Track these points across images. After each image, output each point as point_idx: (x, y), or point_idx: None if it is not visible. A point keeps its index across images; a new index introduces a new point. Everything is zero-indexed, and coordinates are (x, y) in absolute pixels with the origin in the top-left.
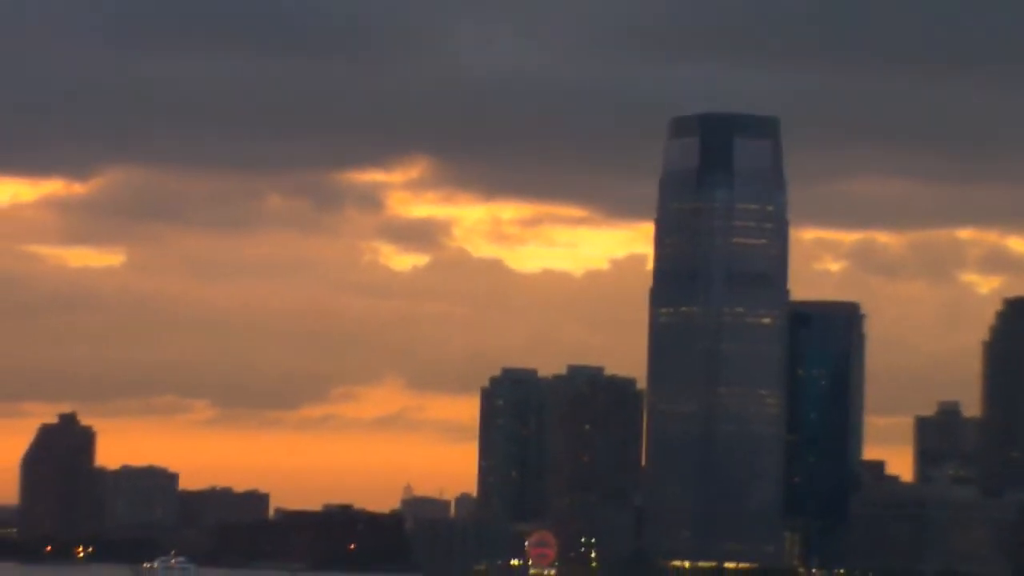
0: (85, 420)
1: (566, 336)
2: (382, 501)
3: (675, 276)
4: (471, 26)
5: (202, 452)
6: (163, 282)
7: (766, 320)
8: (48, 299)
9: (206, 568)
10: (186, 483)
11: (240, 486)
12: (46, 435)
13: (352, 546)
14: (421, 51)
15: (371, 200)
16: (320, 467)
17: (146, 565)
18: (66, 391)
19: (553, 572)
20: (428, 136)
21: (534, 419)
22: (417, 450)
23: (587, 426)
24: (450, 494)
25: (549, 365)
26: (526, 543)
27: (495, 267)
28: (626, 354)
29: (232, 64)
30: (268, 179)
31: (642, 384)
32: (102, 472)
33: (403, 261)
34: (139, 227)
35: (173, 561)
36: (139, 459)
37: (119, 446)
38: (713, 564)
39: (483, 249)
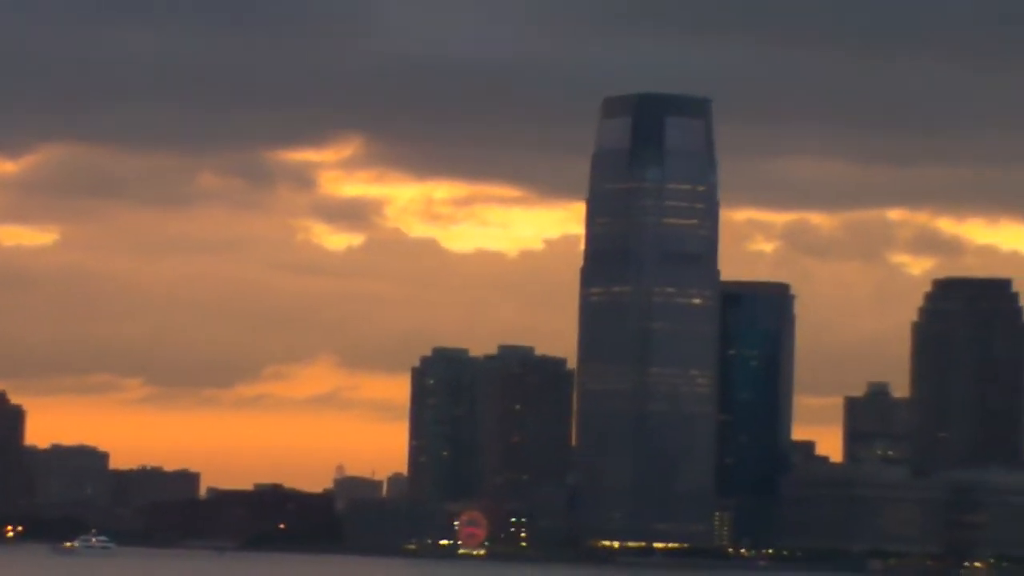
0: (16, 399)
1: (498, 316)
2: (314, 481)
3: (606, 256)
4: (404, 4)
5: (135, 431)
6: (97, 260)
7: (697, 300)
8: None
9: (136, 547)
10: (118, 462)
11: (172, 465)
12: None
13: (282, 525)
14: (354, 29)
15: (303, 178)
16: (253, 446)
17: (67, 544)
18: (7, 368)
19: (483, 552)
20: (360, 114)
21: (466, 398)
22: (350, 430)
23: (518, 406)
24: (382, 474)
25: (481, 345)
26: (456, 522)
27: (429, 247)
28: (558, 334)
29: (165, 41)
30: (201, 157)
31: (573, 364)
32: (32, 451)
33: (337, 240)
34: (72, 205)
35: (94, 540)
36: (71, 438)
37: (51, 425)
38: (643, 544)
39: (417, 229)
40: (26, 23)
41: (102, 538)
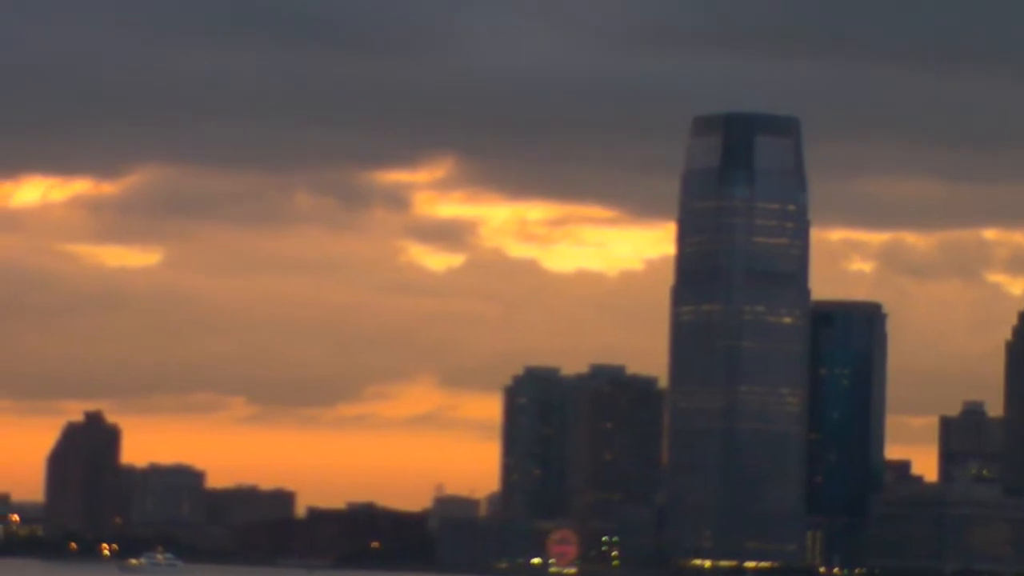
0: (116, 418)
1: (593, 335)
2: (412, 500)
3: (697, 275)
4: (494, 22)
5: (234, 451)
6: (197, 280)
7: (787, 319)
8: (84, 298)
9: (228, 565)
10: (214, 481)
11: (269, 484)
12: (72, 433)
13: (375, 544)
14: (443, 47)
15: (397, 199)
16: (351, 466)
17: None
18: (101, 389)
19: (574, 570)
20: (451, 134)
21: (556, 417)
22: (449, 449)
23: (609, 424)
24: (480, 493)
25: (574, 364)
26: (547, 541)
27: (529, 267)
28: (650, 353)
29: (260, 60)
30: (296, 176)
31: (664, 383)
32: (129, 470)
33: (437, 260)
34: (171, 225)
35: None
36: (170, 457)
37: (150, 444)
38: (734, 563)
39: (515, 249)
40: (121, 45)
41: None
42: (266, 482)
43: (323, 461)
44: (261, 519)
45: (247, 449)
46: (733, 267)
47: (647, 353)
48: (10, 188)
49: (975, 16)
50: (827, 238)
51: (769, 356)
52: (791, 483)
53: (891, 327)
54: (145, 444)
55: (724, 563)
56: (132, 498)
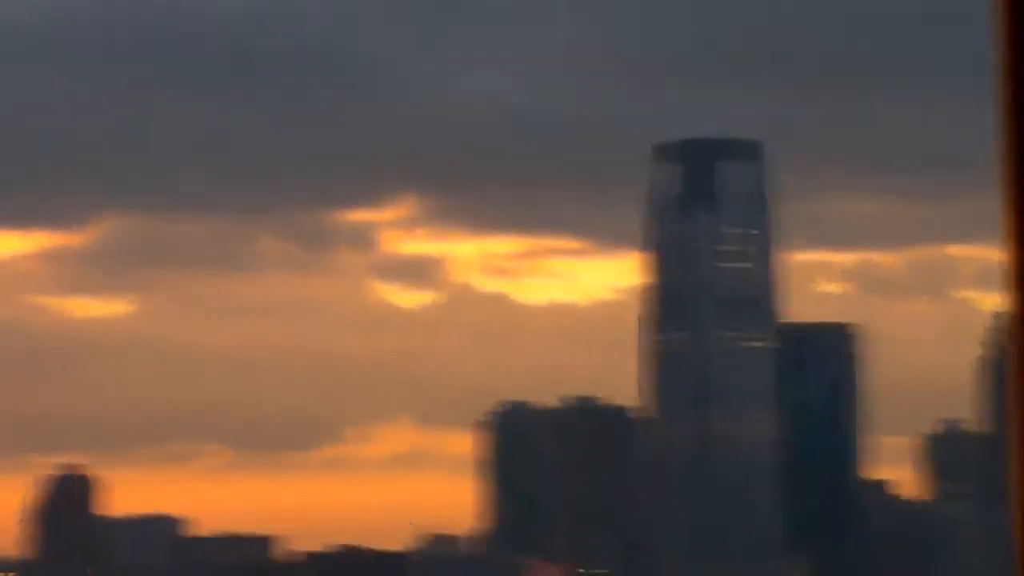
0: (94, 469)
1: (564, 366)
2: (396, 539)
3: (665, 303)
4: (448, 61)
5: (212, 498)
6: (167, 327)
7: (757, 343)
8: (54, 349)
9: None
10: (192, 529)
11: (249, 529)
12: (47, 485)
13: None
14: (402, 88)
15: (363, 239)
16: (332, 508)
17: None
18: (75, 441)
19: None
20: (415, 173)
21: (530, 450)
22: (430, 486)
23: (582, 454)
24: (462, 529)
25: (547, 396)
26: (527, 574)
27: (499, 301)
28: (622, 383)
29: (217, 108)
30: (259, 221)
31: (636, 411)
32: (103, 521)
33: (406, 298)
34: (136, 274)
35: None
36: (147, 507)
37: (127, 495)
38: None
39: (484, 283)
40: (78, 97)
41: None
42: (244, 528)
43: (302, 505)
44: (240, 564)
45: (224, 496)
46: (699, 294)
47: (620, 382)
48: None
49: (930, 39)
50: (795, 260)
51: (740, 381)
52: (765, 508)
53: (863, 346)
54: (121, 495)
55: None
56: (107, 548)
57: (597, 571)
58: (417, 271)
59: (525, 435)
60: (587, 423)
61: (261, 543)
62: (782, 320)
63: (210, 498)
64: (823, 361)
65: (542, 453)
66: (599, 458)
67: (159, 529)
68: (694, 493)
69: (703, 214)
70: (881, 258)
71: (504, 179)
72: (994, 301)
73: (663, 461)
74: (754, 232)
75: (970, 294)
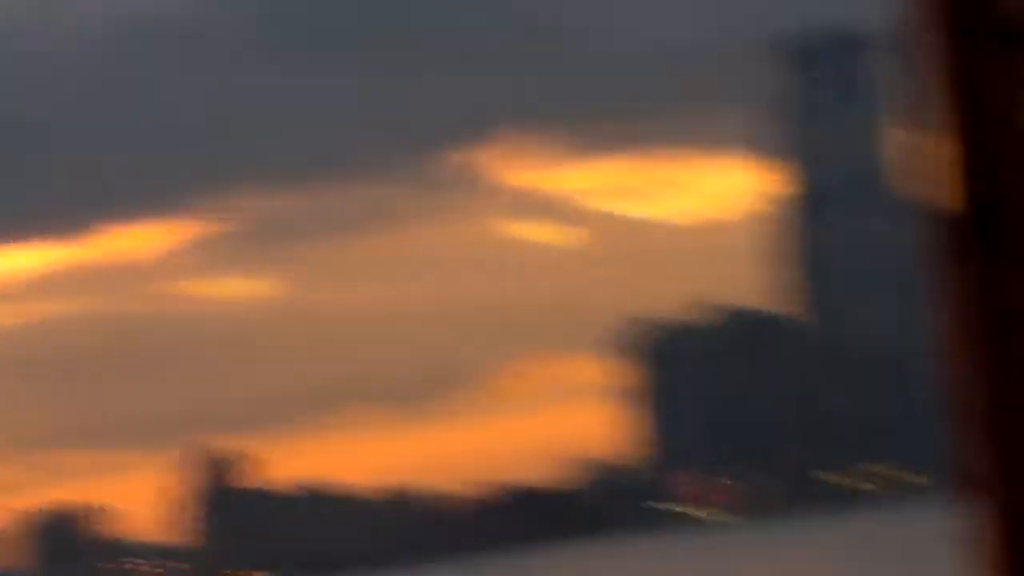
0: (253, 449)
1: (713, 282)
2: (559, 475)
3: (807, 203)
4: None
5: (373, 457)
6: (309, 300)
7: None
8: (208, 335)
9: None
10: (356, 492)
11: (413, 484)
12: (207, 469)
13: (531, 524)
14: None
15: (479, 179)
16: (491, 450)
17: None
18: (232, 424)
19: (731, 512)
20: (514, 107)
21: (689, 369)
22: (591, 417)
23: (742, 367)
24: (627, 458)
25: (697, 313)
26: (702, 488)
27: (633, 223)
28: (774, 291)
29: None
30: (380, 177)
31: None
32: (268, 497)
33: (539, 233)
34: (274, 252)
35: None
36: (308, 476)
37: (289, 468)
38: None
39: (613, 207)
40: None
41: None
42: (407, 482)
43: (461, 452)
44: (413, 522)
45: (382, 453)
46: (842, 190)
47: (772, 290)
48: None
49: None
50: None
51: (901, 270)
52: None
53: None
54: (282, 470)
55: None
56: (276, 526)
57: (769, 485)
58: (544, 204)
59: (681, 354)
60: (745, 334)
61: (428, 498)
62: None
63: (369, 458)
64: None
65: (702, 371)
66: (761, 368)
67: (324, 499)
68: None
69: (834, 110)
70: None
71: (606, 103)
72: None
73: (828, 363)
74: (889, 120)
75: None
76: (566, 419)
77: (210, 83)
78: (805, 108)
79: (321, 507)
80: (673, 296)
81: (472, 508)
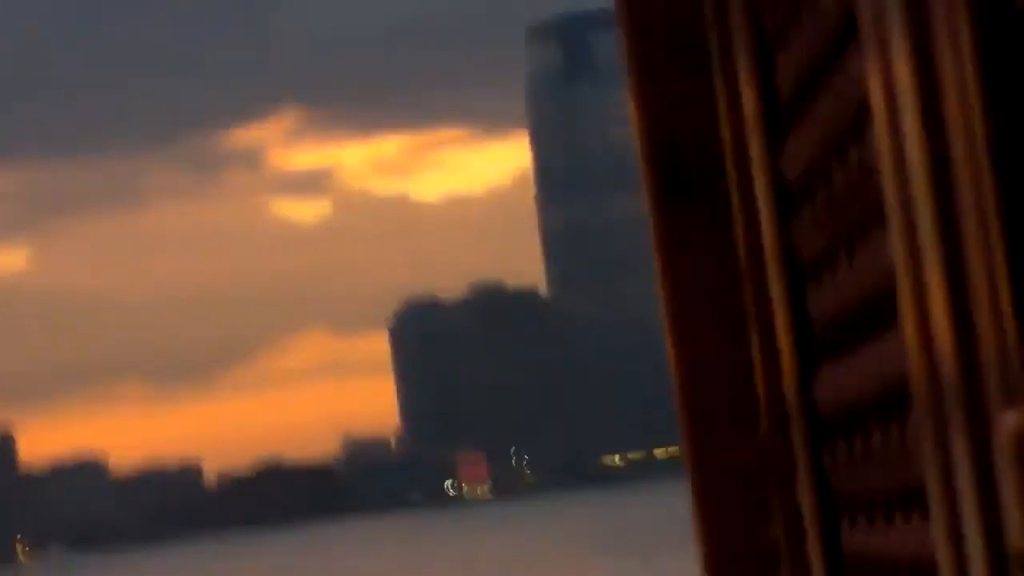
0: (14, 421)
1: (468, 257)
2: (320, 449)
3: (558, 179)
4: None
5: (137, 431)
6: (64, 276)
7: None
8: None
9: (143, 550)
10: (120, 468)
11: (176, 459)
12: None
13: (285, 499)
14: (278, 4)
15: (251, 157)
16: (255, 426)
17: None
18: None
19: (487, 488)
20: (295, 86)
21: (444, 342)
22: (351, 394)
23: (496, 339)
24: (388, 431)
25: (453, 288)
26: (456, 466)
27: (396, 202)
28: (527, 266)
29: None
30: (144, 152)
31: (544, 291)
32: (29, 470)
33: (303, 211)
34: (27, 227)
35: None
36: (72, 450)
37: (51, 441)
38: (643, 453)
39: (378, 186)
40: None
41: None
42: (172, 458)
43: (227, 427)
44: (169, 497)
45: (148, 428)
46: (593, 167)
47: (525, 266)
48: None
49: None
50: None
51: (646, 252)
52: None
53: None
54: (46, 442)
55: (633, 455)
56: (36, 504)
57: (525, 456)
58: (309, 183)
59: (436, 328)
60: (499, 307)
61: (193, 472)
62: None
63: (134, 432)
64: None
65: (455, 344)
66: (513, 341)
67: (88, 472)
68: (609, 367)
69: (585, 87)
70: None
71: (380, 78)
72: None
73: (576, 337)
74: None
75: None
76: (333, 396)
77: None
78: (545, 85)
79: (79, 482)
80: (435, 272)
81: (229, 484)
